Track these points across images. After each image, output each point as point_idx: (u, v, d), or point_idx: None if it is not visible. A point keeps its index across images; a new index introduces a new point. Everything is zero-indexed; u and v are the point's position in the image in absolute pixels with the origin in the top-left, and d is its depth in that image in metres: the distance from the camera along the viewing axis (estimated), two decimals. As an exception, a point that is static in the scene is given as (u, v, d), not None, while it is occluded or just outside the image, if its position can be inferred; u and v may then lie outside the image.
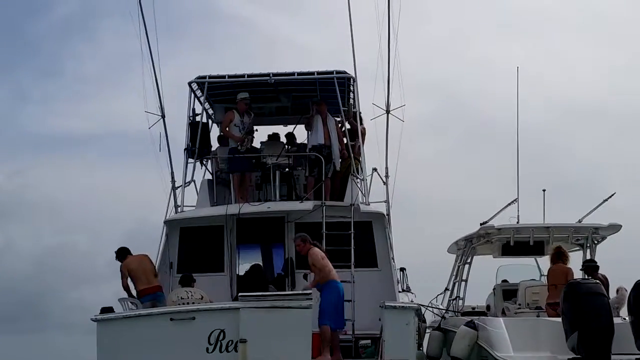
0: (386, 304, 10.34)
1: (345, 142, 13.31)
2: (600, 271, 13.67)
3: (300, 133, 14.58)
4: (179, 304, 10.94)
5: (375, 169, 14.00)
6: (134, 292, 12.10)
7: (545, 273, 15.55)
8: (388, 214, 13.49)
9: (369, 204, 13.19)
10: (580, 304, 10.78)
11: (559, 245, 13.97)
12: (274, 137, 14.66)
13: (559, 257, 13.32)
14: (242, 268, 13.46)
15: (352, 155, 13.27)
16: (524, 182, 15.55)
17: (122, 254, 12.12)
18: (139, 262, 11.95)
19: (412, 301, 12.48)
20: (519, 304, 13.71)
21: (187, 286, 11.47)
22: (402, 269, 13.84)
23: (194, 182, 13.84)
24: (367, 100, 14.24)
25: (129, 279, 11.98)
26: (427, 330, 14.15)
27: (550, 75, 38.13)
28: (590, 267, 14.04)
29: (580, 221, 14.16)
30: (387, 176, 14.00)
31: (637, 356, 11.07)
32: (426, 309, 14.11)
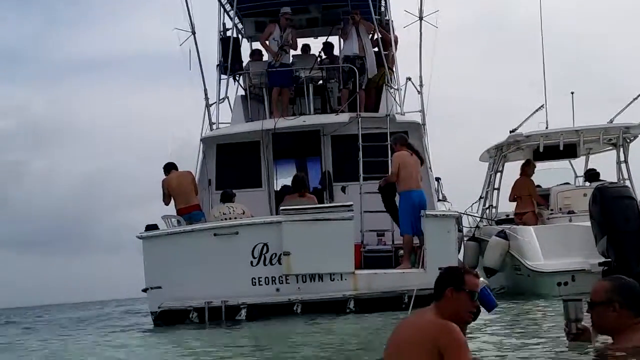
0: (427, 212, 10.41)
1: (378, 51, 13.10)
2: (632, 170, 13.88)
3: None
4: (221, 220, 11.05)
5: (409, 78, 13.80)
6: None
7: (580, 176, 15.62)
8: (424, 123, 13.39)
9: (404, 114, 13.08)
10: (608, 208, 10.78)
11: (528, 159, 14.08)
12: (305, 49, 14.45)
13: (523, 170, 13.85)
14: (280, 183, 13.58)
15: (385, 65, 13.07)
16: (556, 87, 15.33)
17: (167, 169, 12.09)
18: (179, 181, 11.94)
19: (449, 210, 12.51)
20: (552, 209, 13.72)
21: (228, 202, 11.55)
22: (438, 179, 13.81)
23: (228, 98, 13.79)
24: (399, 8, 13.93)
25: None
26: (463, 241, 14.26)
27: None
28: (591, 175, 14.09)
29: (611, 121, 14.02)
30: (421, 85, 13.83)
31: None
32: (462, 216, 14.19)
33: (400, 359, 4.06)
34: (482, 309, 4.41)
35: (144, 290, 10.85)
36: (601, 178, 13.89)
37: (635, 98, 13.84)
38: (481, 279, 4.43)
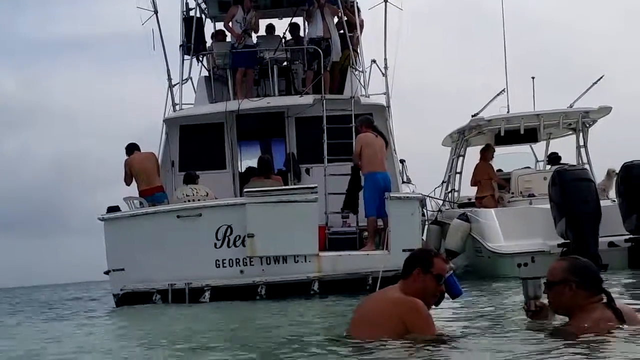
0: (391, 195, 10.45)
1: (343, 33, 13.07)
2: (592, 154, 14.14)
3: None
4: (184, 202, 10.96)
5: (374, 61, 13.82)
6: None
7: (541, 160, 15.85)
8: (388, 106, 13.42)
9: (369, 96, 13.10)
10: (567, 190, 10.98)
11: (487, 143, 14.30)
12: (270, 29, 14.33)
13: (482, 154, 14.13)
14: (244, 164, 13.52)
15: (350, 47, 13.05)
16: (519, 70, 15.49)
17: (129, 150, 11.95)
18: (142, 162, 11.79)
19: (413, 192, 12.60)
20: (512, 193, 13.91)
21: (191, 184, 11.46)
22: (402, 161, 13.87)
23: (191, 79, 13.65)
24: (365, -11, 13.90)
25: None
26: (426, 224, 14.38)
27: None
28: (553, 158, 14.35)
29: (571, 106, 14.22)
30: (386, 67, 13.82)
31: (626, 237, 11.39)
32: (425, 200, 14.31)
33: (366, 330, 4.11)
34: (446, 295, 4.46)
35: (106, 273, 10.73)
36: (562, 162, 14.12)
37: (595, 83, 14.07)
38: (450, 265, 4.48)
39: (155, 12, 13.46)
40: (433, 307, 4.35)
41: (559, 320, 4.33)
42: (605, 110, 14.03)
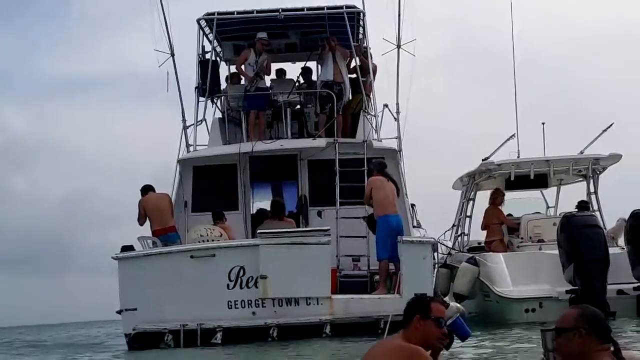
0: (403, 238, 10.51)
1: (355, 77, 13.26)
2: (602, 201, 14.07)
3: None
4: (198, 242, 11.03)
5: (386, 105, 13.96)
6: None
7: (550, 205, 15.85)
8: (400, 150, 13.54)
9: (381, 140, 13.23)
10: (575, 236, 10.98)
11: (497, 187, 14.34)
12: (280, 73, 14.52)
13: (492, 199, 14.23)
14: (255, 206, 13.60)
15: (363, 91, 13.23)
16: (532, 114, 15.60)
17: (144, 191, 12.03)
18: (156, 202, 11.90)
19: (424, 236, 12.62)
20: (522, 238, 13.90)
21: (219, 221, 11.55)
22: (412, 205, 13.92)
23: (205, 121, 13.83)
24: (378, 36, 14.14)
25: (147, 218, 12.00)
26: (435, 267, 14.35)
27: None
28: (581, 206, 14.32)
29: (581, 152, 14.27)
30: (398, 112, 13.97)
31: (634, 285, 11.35)
32: (437, 244, 14.32)
33: None
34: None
35: (119, 312, 10.75)
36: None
37: (605, 130, 14.13)
38: (458, 306, 4.50)
39: (172, 54, 13.73)
40: (444, 351, 4.36)
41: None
42: (615, 158, 14.06)
